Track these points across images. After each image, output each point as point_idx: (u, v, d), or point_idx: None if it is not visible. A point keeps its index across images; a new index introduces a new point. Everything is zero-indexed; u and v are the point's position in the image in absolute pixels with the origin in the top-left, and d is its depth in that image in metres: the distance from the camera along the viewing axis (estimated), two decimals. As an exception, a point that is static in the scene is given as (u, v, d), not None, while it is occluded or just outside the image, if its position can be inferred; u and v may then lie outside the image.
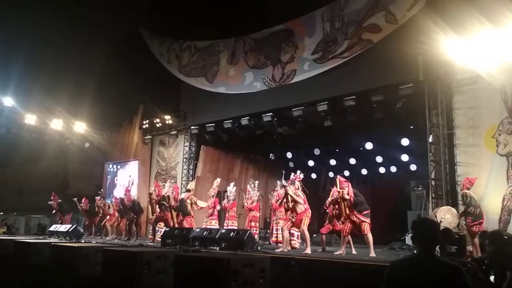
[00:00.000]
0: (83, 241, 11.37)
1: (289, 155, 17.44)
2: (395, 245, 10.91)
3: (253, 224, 11.20)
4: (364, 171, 16.95)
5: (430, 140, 10.00)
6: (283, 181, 9.46)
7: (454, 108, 9.55)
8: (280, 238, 10.37)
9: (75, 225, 13.44)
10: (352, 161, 16.46)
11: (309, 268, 6.96)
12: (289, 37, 12.69)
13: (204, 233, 9.73)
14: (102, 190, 17.58)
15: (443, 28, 8.88)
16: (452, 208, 8.57)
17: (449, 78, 9.66)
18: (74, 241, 10.76)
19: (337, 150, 16.59)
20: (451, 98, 9.63)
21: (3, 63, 15.44)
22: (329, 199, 9.37)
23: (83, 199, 15.13)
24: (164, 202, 12.19)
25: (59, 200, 15.78)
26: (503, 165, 8.63)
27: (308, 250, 8.65)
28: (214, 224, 11.92)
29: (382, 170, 16.29)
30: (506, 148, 8.65)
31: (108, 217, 14.48)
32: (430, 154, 9.96)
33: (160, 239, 11.17)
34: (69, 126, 17.78)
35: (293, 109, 12.33)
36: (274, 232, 11.18)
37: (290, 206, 9.03)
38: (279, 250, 9.16)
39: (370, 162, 16.06)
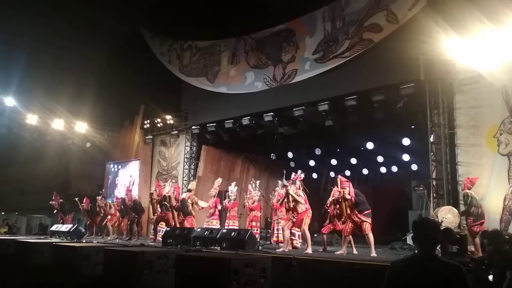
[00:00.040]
0: (84, 241, 11.38)
1: (290, 155, 17.43)
2: (396, 245, 10.90)
3: (254, 224, 11.21)
4: (365, 171, 16.94)
5: (431, 139, 9.99)
6: (284, 180, 9.46)
7: (455, 107, 9.54)
8: (281, 238, 10.38)
9: (76, 225, 13.46)
10: (353, 161, 16.44)
11: (310, 268, 6.96)
12: (290, 37, 12.69)
13: (205, 233, 9.74)
14: (103, 190, 17.60)
15: (444, 28, 8.87)
16: (453, 208, 8.56)
17: (450, 77, 9.66)
18: (75, 241, 10.77)
19: (338, 150, 16.57)
20: (452, 98, 9.63)
21: (4, 63, 15.46)
22: (330, 199, 9.37)
23: (85, 199, 15.14)
24: (165, 202, 12.20)
25: (61, 200, 15.80)
26: (505, 165, 8.62)
27: (309, 250, 8.64)
28: (215, 224, 11.93)
29: (383, 170, 16.29)
30: (507, 148, 8.65)
31: (109, 217, 14.48)
32: (431, 153, 9.95)
33: (161, 239, 11.17)
34: (71, 126, 17.80)
35: (294, 109, 12.33)
36: (275, 232, 11.19)
37: (291, 206, 9.03)
38: (280, 250, 9.16)
39: (371, 162, 16.05)
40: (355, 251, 9.11)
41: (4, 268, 8.90)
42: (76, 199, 15.33)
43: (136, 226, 13.46)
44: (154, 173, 17.15)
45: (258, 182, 11.83)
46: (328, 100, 11.67)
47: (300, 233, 10.06)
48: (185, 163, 15.86)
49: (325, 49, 11.70)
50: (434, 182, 9.80)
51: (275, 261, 6.33)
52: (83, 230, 13.86)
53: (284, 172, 9.94)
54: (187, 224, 11.68)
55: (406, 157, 14.66)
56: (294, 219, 9.04)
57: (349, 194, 8.57)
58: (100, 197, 14.99)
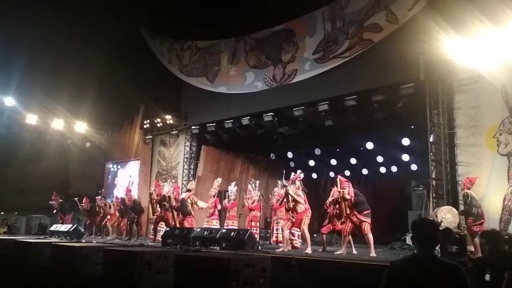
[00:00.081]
0: (83, 241, 11.38)
1: (289, 155, 17.44)
2: (396, 245, 10.90)
3: (253, 224, 11.20)
4: (364, 171, 16.94)
5: (431, 139, 9.99)
6: (284, 180, 9.46)
7: (455, 107, 9.54)
8: (280, 238, 10.37)
9: (75, 225, 13.46)
10: (353, 161, 16.44)
11: (310, 268, 6.96)
12: (290, 37, 12.68)
13: (205, 233, 9.74)
14: (103, 190, 17.60)
15: (444, 28, 8.87)
16: (453, 208, 8.56)
17: (450, 77, 9.65)
18: (74, 241, 10.77)
19: (337, 150, 16.57)
20: (452, 98, 9.62)
21: (3, 63, 15.46)
22: (330, 199, 9.37)
23: (84, 199, 15.13)
24: (165, 203, 12.19)
25: (60, 200, 15.79)
26: (504, 165, 8.62)
27: (309, 250, 8.64)
28: (215, 224, 11.93)
29: (382, 170, 16.28)
30: (507, 148, 8.65)
31: (108, 216, 14.48)
32: (431, 153, 9.95)
33: (161, 239, 11.17)
34: (70, 126, 17.80)
35: (294, 109, 12.33)
36: (275, 232, 11.18)
37: (291, 206, 9.03)
38: (280, 250, 9.16)
39: (371, 162, 16.05)
40: (354, 251, 9.10)
41: (4, 268, 8.90)
42: (76, 199, 15.32)
43: (135, 226, 13.45)
44: (153, 173, 17.14)
45: (257, 182, 11.82)
46: (328, 100, 11.67)
47: (299, 233, 10.05)
48: (184, 163, 15.86)
49: (325, 49, 11.69)
50: (434, 182, 9.80)
51: (274, 261, 6.32)
52: (83, 230, 13.86)
53: (284, 172, 9.93)
54: (186, 224, 11.68)
55: (405, 157, 14.65)
56: (294, 219, 9.04)
57: (348, 194, 8.57)
58: (99, 197, 14.98)
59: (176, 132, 16.20)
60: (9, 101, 16.18)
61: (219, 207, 12.15)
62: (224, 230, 9.76)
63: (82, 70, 17.03)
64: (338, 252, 8.69)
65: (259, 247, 9.17)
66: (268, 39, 13.33)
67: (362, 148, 15.38)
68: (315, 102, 11.90)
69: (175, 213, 12.07)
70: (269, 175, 16.91)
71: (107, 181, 19.09)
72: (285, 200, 9.19)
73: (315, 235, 11.53)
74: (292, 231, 9.81)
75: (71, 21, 16.21)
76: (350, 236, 8.86)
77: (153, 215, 12.84)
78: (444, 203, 9.23)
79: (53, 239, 11.40)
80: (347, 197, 8.56)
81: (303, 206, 9.04)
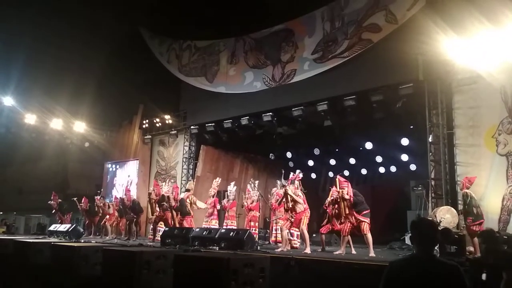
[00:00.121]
0: (82, 240, 11.37)
1: (289, 155, 17.45)
2: (395, 245, 10.92)
3: (252, 224, 11.19)
4: (363, 171, 16.95)
5: (430, 140, 10.00)
6: (283, 180, 9.46)
7: (454, 108, 9.55)
8: (279, 238, 10.36)
9: (74, 225, 13.46)
10: (352, 161, 16.46)
11: (309, 268, 6.96)
12: (289, 37, 12.69)
13: (204, 233, 9.73)
14: (102, 189, 17.59)
15: (443, 28, 8.88)
16: (452, 208, 8.57)
17: (449, 78, 9.67)
18: (73, 241, 10.76)
19: (337, 150, 16.59)
20: (451, 98, 9.64)
21: (3, 63, 15.43)
22: (329, 199, 9.37)
23: (83, 199, 15.12)
24: (164, 203, 12.18)
25: (59, 200, 15.78)
26: (503, 165, 8.64)
27: (308, 250, 8.64)
28: (214, 224, 11.93)
29: (382, 170, 16.30)
30: (506, 148, 8.66)
31: (107, 216, 14.47)
32: (430, 154, 9.96)
33: (160, 239, 11.17)
34: (69, 126, 17.79)
35: (293, 109, 12.34)
36: (274, 231, 11.18)
37: (290, 206, 9.03)
38: (279, 250, 9.16)
39: (370, 162, 16.07)
40: (353, 251, 9.11)
41: (3, 268, 8.89)
42: (75, 198, 15.30)
43: (134, 226, 13.45)
44: (152, 173, 17.14)
45: (257, 182, 11.82)
46: (327, 100, 11.68)
47: (298, 233, 10.05)
48: (183, 163, 15.86)
49: (324, 49, 11.70)
50: (433, 182, 9.81)
51: (273, 261, 6.33)
52: (82, 230, 13.86)
53: (283, 172, 9.93)
54: (185, 224, 11.67)
55: (404, 157, 14.67)
56: (292, 219, 9.04)
57: (347, 194, 8.58)
58: (98, 197, 14.97)
59: (175, 132, 16.20)
60: (8, 100, 16.17)
61: (218, 207, 12.15)
62: (223, 230, 9.76)
63: (82, 70, 17.03)
64: (337, 252, 8.69)
65: (258, 247, 9.17)
66: (267, 39, 13.33)
67: (361, 148, 15.40)
68: (314, 102, 11.91)
69: (174, 213, 12.06)
70: (268, 175, 16.90)
71: (106, 181, 19.08)
72: (284, 200, 9.19)
73: (314, 235, 11.54)
74: (291, 231, 9.80)
75: (71, 21, 16.19)
76: (349, 236, 8.86)
77: (152, 215, 12.84)
78: (443, 203, 9.23)
79: (52, 239, 11.38)
80: (346, 197, 8.56)
81: (302, 206, 9.03)
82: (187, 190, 12.94)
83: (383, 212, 13.84)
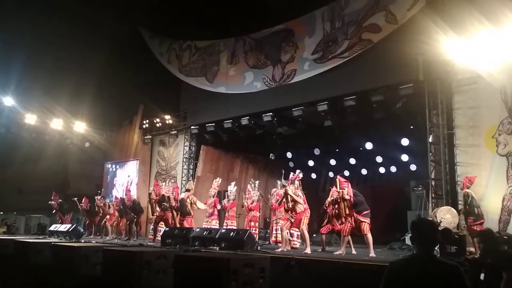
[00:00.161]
0: (83, 240, 11.37)
1: (289, 155, 17.45)
2: (395, 245, 10.91)
3: (253, 224, 11.19)
4: (364, 171, 16.95)
5: (430, 140, 10.00)
6: (283, 180, 9.46)
7: (454, 108, 9.56)
8: (280, 238, 10.36)
9: (75, 225, 13.45)
10: (352, 161, 16.46)
11: (309, 268, 6.96)
12: (289, 37, 12.69)
13: (204, 233, 9.73)
14: (102, 189, 17.59)
15: (443, 28, 8.88)
16: (452, 208, 8.57)
17: (449, 78, 9.67)
18: (74, 241, 10.76)
19: (337, 150, 16.59)
20: (451, 98, 9.64)
21: (3, 63, 15.43)
22: (329, 199, 9.37)
23: (84, 199, 15.12)
24: (165, 203, 12.18)
25: (60, 200, 15.78)
26: (503, 165, 8.64)
27: (308, 250, 8.64)
28: (214, 224, 11.91)
29: (382, 170, 16.30)
30: (506, 148, 8.66)
31: (108, 216, 14.47)
32: (430, 154, 9.96)
33: (160, 239, 11.17)
34: (69, 126, 17.79)
35: (293, 109, 12.34)
36: (274, 232, 11.18)
37: (290, 206, 9.03)
38: (279, 250, 9.16)
39: (370, 162, 16.07)
40: (354, 251, 9.11)
41: (3, 268, 8.89)
42: (75, 199, 15.30)
43: (135, 226, 13.45)
44: (153, 173, 17.14)
45: (257, 182, 11.82)
46: (327, 100, 11.68)
47: (298, 233, 10.05)
48: (184, 163, 15.86)
49: (324, 49, 11.70)
50: (433, 183, 9.81)
51: (274, 261, 6.33)
52: (82, 230, 13.85)
53: (283, 172, 9.93)
54: (186, 224, 11.67)
55: (405, 158, 14.67)
56: (293, 219, 9.04)
57: (347, 194, 8.58)
58: (99, 197, 14.97)
59: (175, 132, 16.20)
60: (8, 100, 16.17)
61: (218, 207, 12.14)
62: (223, 230, 9.76)
63: (82, 70, 17.03)
64: (337, 252, 8.69)
65: (259, 247, 9.17)
66: (267, 39, 13.33)
67: (361, 148, 15.39)
68: (314, 102, 11.91)
69: (175, 213, 12.06)
70: (268, 175, 16.91)
71: (106, 181, 19.09)
72: (284, 200, 9.19)
73: (314, 235, 11.54)
74: (291, 231, 9.80)
75: (71, 21, 16.20)
76: (349, 236, 8.86)
77: (152, 215, 12.84)
78: (443, 203, 9.24)
79: (52, 239, 11.39)
80: (347, 197, 8.57)
81: (302, 206, 9.03)
82: (187, 190, 12.94)
83: (383, 212, 13.84)
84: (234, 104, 13.92)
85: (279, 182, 10.73)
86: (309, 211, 9.21)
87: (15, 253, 9.04)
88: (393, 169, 15.83)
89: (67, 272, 7.38)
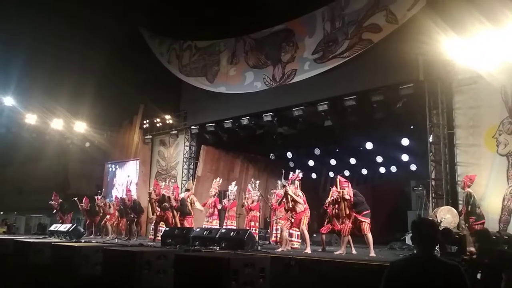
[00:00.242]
0: (83, 240, 11.37)
1: (289, 155, 17.44)
2: (395, 245, 10.90)
3: (253, 224, 11.19)
4: (364, 171, 16.95)
5: (431, 140, 10.00)
6: (283, 180, 9.46)
7: (455, 108, 9.55)
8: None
9: (75, 225, 13.45)
10: (352, 161, 16.46)
11: (309, 268, 6.96)
12: (290, 37, 12.69)
13: (204, 233, 9.73)
14: (103, 189, 17.59)
15: (443, 28, 8.88)
16: (452, 208, 8.56)
17: (449, 78, 9.66)
18: (74, 241, 10.76)
19: (337, 150, 16.59)
20: (452, 98, 9.64)
21: (3, 63, 15.44)
22: (329, 199, 9.37)
23: (84, 199, 15.12)
24: (165, 203, 12.16)
25: (60, 200, 15.78)
26: (503, 165, 8.63)
27: (308, 250, 8.64)
28: (215, 224, 11.90)
29: (382, 170, 16.30)
30: (506, 148, 8.66)
31: (108, 216, 14.47)
32: (430, 154, 9.96)
33: (160, 239, 11.17)
34: (70, 126, 17.80)
35: (294, 109, 12.34)
36: (274, 232, 11.18)
37: (290, 206, 9.02)
38: (279, 250, 9.15)
39: (370, 162, 16.06)
40: (354, 251, 9.10)
41: (3, 268, 8.90)
42: (76, 198, 15.31)
43: (135, 226, 13.45)
44: (153, 173, 17.14)
45: (257, 182, 11.82)
46: (327, 100, 11.67)
47: (298, 233, 10.05)
48: (184, 163, 15.86)
49: (324, 49, 11.70)
50: (433, 182, 9.81)
51: (274, 261, 6.33)
52: (82, 230, 13.85)
53: (283, 172, 9.93)
54: (186, 224, 11.67)
55: (405, 157, 14.67)
56: (293, 219, 9.04)
57: (348, 194, 8.58)
58: (99, 197, 14.97)
59: (176, 132, 16.20)
60: (9, 100, 16.17)
61: (219, 206, 12.13)
62: (223, 230, 9.75)
63: (82, 70, 17.03)
64: (337, 252, 8.69)
65: (259, 247, 9.17)
66: (267, 39, 13.33)
67: (361, 148, 15.39)
68: (314, 102, 11.91)
69: (175, 213, 12.05)
70: (268, 175, 16.91)
71: (106, 181, 19.09)
72: (284, 200, 9.19)
73: (314, 235, 11.53)
74: (291, 231, 9.79)
75: (71, 21, 16.20)
76: (349, 236, 8.86)
77: (153, 214, 12.83)
78: (443, 203, 9.23)
79: (53, 239, 11.39)
80: (347, 197, 8.56)
81: (302, 206, 9.03)
82: (187, 190, 12.94)
83: (383, 212, 13.85)
84: (234, 104, 13.92)
85: (279, 182, 10.72)
86: (309, 211, 9.21)
87: (15, 253, 9.04)
88: (393, 169, 15.83)
89: (67, 272, 7.39)
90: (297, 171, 9.68)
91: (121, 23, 15.82)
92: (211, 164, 15.99)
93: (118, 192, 17.70)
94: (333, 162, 16.90)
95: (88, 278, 7.20)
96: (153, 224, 13.23)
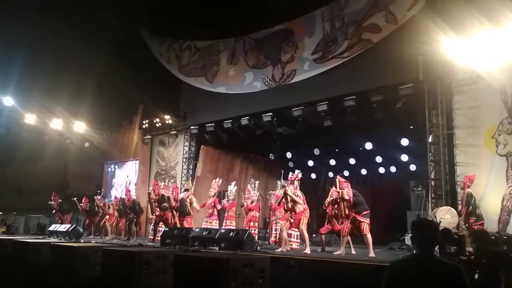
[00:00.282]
0: (82, 241, 11.36)
1: (288, 155, 17.44)
2: (395, 245, 10.91)
3: (252, 224, 11.18)
4: (363, 171, 16.95)
5: (430, 140, 10.00)
6: (282, 180, 9.45)
7: (454, 108, 9.56)
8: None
9: (74, 225, 13.44)
10: (352, 161, 16.46)
11: (309, 268, 6.95)
12: (289, 37, 12.69)
13: (204, 233, 9.72)
14: (102, 189, 17.59)
15: (443, 28, 8.88)
16: (452, 208, 8.57)
17: (449, 78, 9.67)
18: (73, 241, 10.75)
19: (336, 150, 16.59)
20: (451, 98, 9.64)
21: (3, 62, 15.43)
22: (328, 199, 9.37)
23: (84, 199, 15.12)
24: (165, 204, 12.16)
25: (60, 200, 15.78)
26: (503, 165, 8.64)
27: (308, 250, 8.63)
28: (214, 224, 11.89)
29: (381, 170, 16.30)
30: (505, 148, 8.66)
31: (107, 216, 14.46)
32: (430, 154, 9.96)
33: (160, 239, 11.16)
34: (69, 126, 17.79)
35: (293, 109, 12.34)
36: (274, 232, 11.17)
37: (289, 206, 9.02)
38: (279, 250, 9.15)
39: (370, 162, 16.06)
40: (353, 252, 9.11)
41: (2, 268, 8.89)
42: (75, 199, 15.30)
43: (134, 226, 13.44)
44: (152, 173, 17.14)
45: (257, 182, 11.81)
46: (327, 101, 11.68)
47: (297, 234, 10.04)
48: (183, 163, 15.85)
49: (324, 49, 11.70)
50: (433, 183, 9.81)
51: (273, 261, 6.33)
52: (81, 230, 13.84)
53: (282, 172, 9.92)
54: (186, 225, 11.66)
55: (404, 158, 14.67)
56: (292, 219, 9.03)
57: (347, 194, 8.57)
58: (99, 197, 14.96)
59: (175, 132, 16.20)
60: (8, 100, 16.17)
61: (218, 207, 12.12)
62: (223, 231, 9.75)
63: (82, 70, 17.02)
64: (337, 253, 8.69)
65: (258, 247, 9.16)
66: (267, 39, 13.34)
67: (361, 149, 15.39)
68: (314, 102, 11.91)
69: (175, 213, 12.05)
70: (268, 175, 16.90)
71: (106, 181, 19.08)
72: (283, 200, 9.19)
73: (314, 235, 11.54)
74: (290, 231, 9.78)
75: (71, 21, 16.19)
76: (349, 236, 8.85)
77: (152, 214, 12.83)
78: (443, 203, 9.24)
79: (52, 239, 11.37)
80: (346, 197, 8.56)
81: (302, 206, 9.02)
82: (186, 190, 12.94)
83: (383, 212, 13.84)
84: (234, 104, 13.92)
85: (278, 182, 10.72)
86: (308, 211, 9.20)
87: (14, 253, 9.03)
88: (392, 169, 15.83)
89: (66, 272, 7.38)
90: (297, 171, 9.67)
91: (121, 23, 15.82)
92: (211, 164, 15.99)
93: (117, 192, 17.69)
94: (332, 162, 16.90)
95: (87, 278, 7.19)
96: (152, 224, 13.23)
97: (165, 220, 12.29)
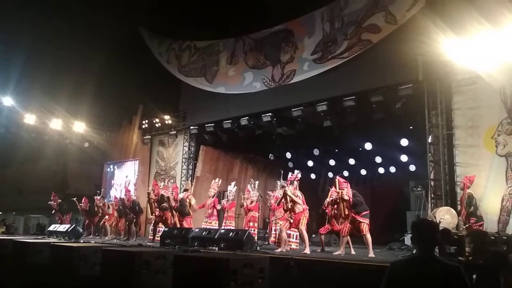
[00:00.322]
0: (82, 241, 11.35)
1: (288, 155, 17.45)
2: (394, 246, 10.92)
3: (252, 224, 11.18)
4: (363, 172, 16.97)
5: (430, 140, 10.01)
6: (282, 181, 9.45)
7: (454, 108, 9.56)
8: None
9: (74, 225, 13.43)
10: (352, 161, 16.48)
11: (308, 268, 6.96)
12: (289, 37, 12.70)
13: (203, 233, 9.71)
14: (102, 189, 17.58)
15: (442, 29, 8.89)
16: (451, 209, 8.57)
17: (448, 78, 9.67)
18: (73, 241, 10.75)
19: (336, 150, 16.60)
20: (451, 99, 9.64)
21: (2, 62, 15.43)
22: (328, 199, 9.37)
23: (83, 199, 15.11)
24: (165, 203, 12.16)
25: (59, 200, 15.76)
26: (502, 166, 8.64)
27: (307, 250, 8.64)
28: (214, 224, 11.88)
29: (381, 170, 16.31)
30: (505, 149, 8.66)
31: (107, 217, 14.46)
32: (429, 154, 9.97)
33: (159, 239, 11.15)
34: (69, 126, 17.79)
35: (293, 109, 12.34)
36: (273, 232, 11.16)
37: (289, 206, 9.02)
38: (278, 250, 9.15)
39: (369, 162, 16.08)
40: (353, 252, 9.11)
41: (2, 268, 8.88)
42: (75, 199, 15.29)
43: (134, 226, 13.44)
44: (152, 173, 17.14)
45: (257, 182, 11.81)
46: (326, 101, 11.68)
47: (296, 234, 10.04)
48: (183, 163, 15.85)
49: (323, 49, 11.71)
50: (432, 183, 9.82)
51: (273, 262, 6.33)
52: (81, 230, 13.83)
53: (282, 172, 9.92)
54: (185, 225, 11.66)
55: (404, 158, 14.69)
56: (292, 220, 9.03)
57: (347, 195, 8.57)
58: (98, 197, 14.95)
59: (175, 132, 16.20)
60: (8, 100, 16.16)
61: (218, 207, 12.12)
62: (222, 231, 9.74)
63: (82, 70, 17.01)
64: (336, 253, 8.69)
65: (258, 248, 9.16)
66: (267, 40, 13.34)
67: (360, 149, 15.40)
68: (313, 102, 11.91)
69: (174, 213, 12.05)
70: (267, 175, 16.89)
71: (105, 181, 19.07)
72: (283, 200, 9.19)
73: (313, 235, 11.54)
74: (289, 231, 9.78)
75: (71, 21, 16.19)
76: (348, 236, 8.86)
77: (152, 214, 12.82)
78: (442, 203, 9.24)
79: (52, 239, 11.36)
80: (346, 197, 8.56)
81: (301, 206, 9.02)
82: (185, 190, 12.94)
83: (382, 212, 13.85)
84: (234, 104, 13.92)
85: (278, 182, 10.72)
86: (308, 212, 9.21)
87: (14, 253, 9.03)
88: (392, 169, 15.84)
89: (66, 272, 7.38)
90: (296, 171, 9.67)
91: (121, 23, 15.82)
92: (210, 164, 15.98)
93: (116, 192, 17.69)
94: (332, 162, 16.91)
95: (87, 279, 7.19)
96: (152, 224, 13.22)
97: (164, 220, 12.28)
